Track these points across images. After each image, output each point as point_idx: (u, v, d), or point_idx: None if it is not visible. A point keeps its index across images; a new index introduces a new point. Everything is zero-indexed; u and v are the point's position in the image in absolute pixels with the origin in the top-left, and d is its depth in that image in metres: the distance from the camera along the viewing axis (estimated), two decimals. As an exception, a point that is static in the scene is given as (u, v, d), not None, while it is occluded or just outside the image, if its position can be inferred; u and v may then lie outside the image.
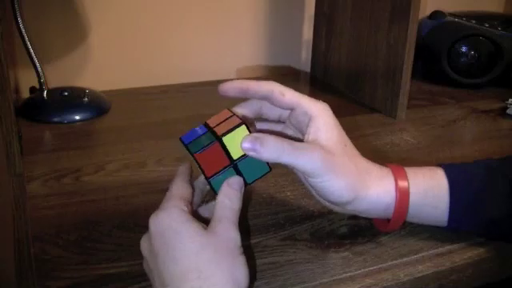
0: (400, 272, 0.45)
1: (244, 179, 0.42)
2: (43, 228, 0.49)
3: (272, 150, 0.39)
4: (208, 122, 0.43)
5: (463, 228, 0.47)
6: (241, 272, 0.37)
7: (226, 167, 0.41)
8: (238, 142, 0.40)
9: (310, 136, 0.42)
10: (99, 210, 0.52)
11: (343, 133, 0.44)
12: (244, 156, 0.41)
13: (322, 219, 0.52)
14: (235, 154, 0.41)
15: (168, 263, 0.36)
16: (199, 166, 0.41)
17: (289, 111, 0.45)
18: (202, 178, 0.44)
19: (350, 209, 0.45)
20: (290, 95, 0.43)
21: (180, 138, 0.42)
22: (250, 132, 0.40)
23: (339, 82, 0.94)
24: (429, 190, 0.45)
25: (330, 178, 0.41)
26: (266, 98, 0.44)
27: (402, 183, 0.44)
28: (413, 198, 0.45)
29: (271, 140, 0.39)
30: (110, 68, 0.92)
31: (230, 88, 0.44)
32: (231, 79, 0.45)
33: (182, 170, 0.44)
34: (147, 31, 0.93)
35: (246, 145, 0.39)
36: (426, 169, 0.47)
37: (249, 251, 0.46)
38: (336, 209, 0.47)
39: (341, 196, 0.43)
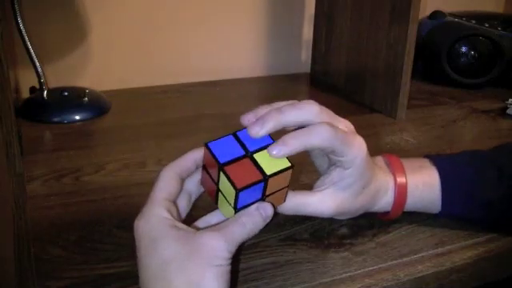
0: (400, 272, 0.45)
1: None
2: (43, 228, 0.49)
3: (291, 209, 0.43)
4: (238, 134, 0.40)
5: (456, 211, 0.49)
6: (210, 285, 0.35)
7: (257, 181, 0.37)
8: (269, 159, 0.38)
9: (331, 181, 0.44)
10: (99, 209, 0.52)
11: (369, 170, 0.44)
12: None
13: (322, 219, 0.51)
14: (268, 170, 0.38)
15: (142, 269, 0.36)
16: (228, 178, 0.37)
17: None
18: (195, 178, 0.42)
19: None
20: (339, 148, 0.41)
21: (207, 144, 0.39)
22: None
23: (339, 82, 0.94)
24: (425, 189, 0.48)
25: (338, 217, 0.46)
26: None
27: (401, 184, 0.47)
28: (409, 196, 0.48)
29: (289, 203, 0.42)
30: (110, 68, 0.92)
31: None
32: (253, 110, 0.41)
33: (183, 161, 0.41)
34: (147, 31, 0.93)
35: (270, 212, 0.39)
36: (416, 163, 0.50)
37: (249, 251, 0.46)
38: None
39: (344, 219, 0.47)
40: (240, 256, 0.45)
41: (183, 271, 0.35)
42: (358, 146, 0.43)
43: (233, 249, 0.36)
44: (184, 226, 0.37)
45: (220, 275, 0.35)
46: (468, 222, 0.50)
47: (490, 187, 0.48)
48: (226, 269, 0.35)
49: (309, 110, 0.41)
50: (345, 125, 0.44)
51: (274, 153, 0.38)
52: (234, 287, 0.42)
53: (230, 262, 0.36)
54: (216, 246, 0.35)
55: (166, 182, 0.39)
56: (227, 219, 0.38)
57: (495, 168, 0.49)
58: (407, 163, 0.49)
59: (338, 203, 0.44)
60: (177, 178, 0.40)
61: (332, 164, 0.44)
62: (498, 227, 0.50)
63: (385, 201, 0.47)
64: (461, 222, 0.51)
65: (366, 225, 0.51)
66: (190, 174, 0.41)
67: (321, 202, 0.43)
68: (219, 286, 0.35)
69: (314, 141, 0.40)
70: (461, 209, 0.49)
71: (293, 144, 0.39)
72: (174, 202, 0.40)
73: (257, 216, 0.38)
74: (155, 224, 0.37)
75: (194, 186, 0.42)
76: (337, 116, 0.44)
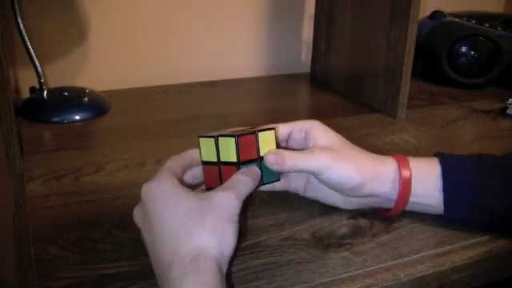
0: (400, 272, 0.45)
1: (261, 178, 0.46)
2: (43, 228, 0.49)
3: (289, 161, 0.45)
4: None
5: (458, 215, 0.49)
6: (229, 236, 0.39)
7: (253, 160, 0.45)
8: (266, 143, 0.46)
9: (310, 144, 0.49)
10: (99, 210, 0.52)
11: (339, 135, 0.50)
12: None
13: (321, 219, 0.52)
14: (262, 152, 0.46)
15: (160, 226, 0.39)
16: (237, 151, 0.44)
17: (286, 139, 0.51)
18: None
19: (362, 194, 0.48)
20: (281, 127, 0.50)
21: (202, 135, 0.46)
22: (276, 137, 0.47)
23: (339, 82, 0.94)
24: (425, 172, 0.49)
25: (338, 168, 0.47)
26: None
27: (403, 164, 0.48)
28: (414, 176, 0.48)
29: (288, 154, 0.46)
30: (110, 68, 0.92)
31: None
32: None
33: (187, 155, 0.46)
34: (147, 31, 0.93)
35: (271, 159, 0.45)
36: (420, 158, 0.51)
37: (249, 251, 0.46)
38: (347, 204, 0.51)
39: (352, 179, 0.47)
40: (240, 256, 0.45)
41: (205, 224, 0.38)
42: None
43: (241, 203, 0.41)
44: (192, 191, 0.41)
45: (234, 228, 0.39)
46: (472, 227, 0.50)
47: (495, 194, 0.48)
48: (237, 222, 0.40)
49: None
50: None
51: None
52: (234, 287, 0.42)
53: (238, 216, 0.40)
54: (232, 203, 0.40)
55: (173, 164, 0.44)
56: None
57: (502, 174, 0.48)
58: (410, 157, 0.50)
59: (331, 150, 0.47)
60: (179, 165, 0.45)
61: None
62: (502, 233, 0.49)
63: (387, 185, 0.48)
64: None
65: (366, 225, 0.51)
66: (189, 168, 0.46)
67: (313, 152, 0.47)
68: (234, 237, 0.39)
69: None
70: (465, 214, 0.48)
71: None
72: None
73: (251, 175, 0.44)
74: (170, 186, 0.40)
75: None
76: None
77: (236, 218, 0.40)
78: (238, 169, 0.44)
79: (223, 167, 0.45)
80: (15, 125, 0.37)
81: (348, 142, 0.50)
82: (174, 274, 0.36)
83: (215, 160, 0.45)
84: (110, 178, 0.59)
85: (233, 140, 0.44)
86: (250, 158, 0.45)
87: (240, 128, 0.48)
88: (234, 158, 0.44)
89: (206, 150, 0.46)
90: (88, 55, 0.90)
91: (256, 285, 0.42)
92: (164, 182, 0.41)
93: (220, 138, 0.45)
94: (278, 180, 0.48)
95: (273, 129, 0.47)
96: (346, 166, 0.47)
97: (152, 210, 0.40)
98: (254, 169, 0.45)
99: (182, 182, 0.44)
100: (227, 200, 0.40)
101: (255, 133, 0.46)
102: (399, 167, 0.48)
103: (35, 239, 0.47)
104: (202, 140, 0.46)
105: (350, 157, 0.48)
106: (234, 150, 0.44)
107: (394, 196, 0.48)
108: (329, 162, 0.46)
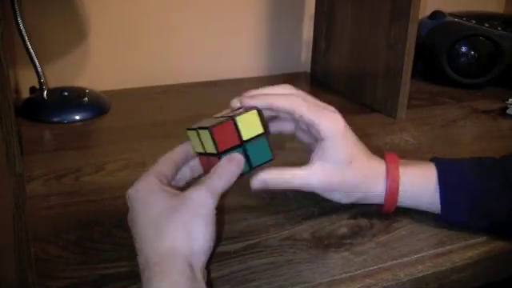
0: (400, 272, 0.45)
1: (249, 162, 0.44)
2: (43, 228, 0.49)
3: (278, 183, 0.47)
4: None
5: (458, 218, 0.49)
6: (199, 229, 0.39)
7: (236, 146, 0.44)
8: (248, 125, 0.44)
9: (316, 155, 0.48)
10: (99, 210, 0.52)
11: (352, 145, 0.48)
12: (253, 139, 0.44)
13: (321, 219, 0.52)
14: (245, 136, 0.44)
15: (136, 226, 0.40)
16: (214, 142, 0.43)
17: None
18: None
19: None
20: (307, 116, 0.46)
21: (188, 128, 0.46)
22: (260, 117, 0.45)
23: (339, 82, 0.94)
24: (420, 180, 0.49)
25: (328, 194, 0.49)
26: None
27: (393, 171, 0.49)
28: (402, 184, 0.49)
29: (277, 176, 0.47)
30: (110, 68, 0.92)
31: (251, 103, 0.47)
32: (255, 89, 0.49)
33: (180, 149, 0.47)
34: (147, 31, 0.93)
35: (256, 185, 0.46)
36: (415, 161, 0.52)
37: (249, 251, 0.46)
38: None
39: (340, 202, 0.50)
40: (240, 256, 0.45)
41: (174, 220, 0.39)
42: (331, 118, 0.47)
43: (216, 198, 0.41)
44: (172, 189, 0.42)
45: (206, 222, 0.39)
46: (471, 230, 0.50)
47: (495, 196, 0.48)
48: (211, 217, 0.40)
49: (295, 102, 0.47)
50: (328, 108, 0.48)
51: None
52: (234, 287, 0.42)
53: (214, 211, 0.40)
54: (201, 196, 0.40)
55: (160, 164, 0.44)
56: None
57: (502, 177, 0.48)
58: (405, 159, 0.50)
59: (326, 175, 0.47)
60: (171, 162, 0.45)
61: (315, 140, 0.48)
62: (502, 236, 0.49)
63: (379, 188, 0.48)
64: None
65: (365, 225, 0.51)
66: (184, 162, 0.47)
67: (309, 174, 0.47)
68: (206, 231, 0.39)
69: (279, 103, 0.46)
70: (464, 217, 0.49)
71: (259, 98, 0.47)
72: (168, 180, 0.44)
73: (230, 165, 0.43)
74: (146, 187, 0.41)
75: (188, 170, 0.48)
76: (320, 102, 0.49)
77: (208, 212, 0.40)
78: (220, 159, 0.43)
79: (210, 157, 0.44)
80: (15, 125, 0.37)
81: (358, 154, 0.49)
82: (145, 277, 0.37)
83: (203, 151, 0.45)
84: (109, 178, 0.59)
85: (207, 132, 0.43)
86: (231, 145, 0.43)
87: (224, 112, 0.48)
88: (213, 150, 0.43)
89: (194, 141, 0.46)
90: (88, 55, 0.90)
91: (256, 285, 0.42)
92: (140, 185, 0.42)
93: (199, 131, 0.44)
94: (272, 160, 0.46)
95: (255, 108, 0.45)
96: (336, 192, 0.49)
97: (132, 213, 0.41)
98: (235, 157, 0.43)
99: (172, 182, 0.44)
100: (198, 195, 0.40)
101: (232, 118, 0.44)
102: (387, 181, 0.49)
103: (35, 239, 0.46)
104: (188, 132, 0.47)
105: (343, 185, 0.48)
106: (211, 142, 0.43)
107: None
108: (319, 188, 0.48)
